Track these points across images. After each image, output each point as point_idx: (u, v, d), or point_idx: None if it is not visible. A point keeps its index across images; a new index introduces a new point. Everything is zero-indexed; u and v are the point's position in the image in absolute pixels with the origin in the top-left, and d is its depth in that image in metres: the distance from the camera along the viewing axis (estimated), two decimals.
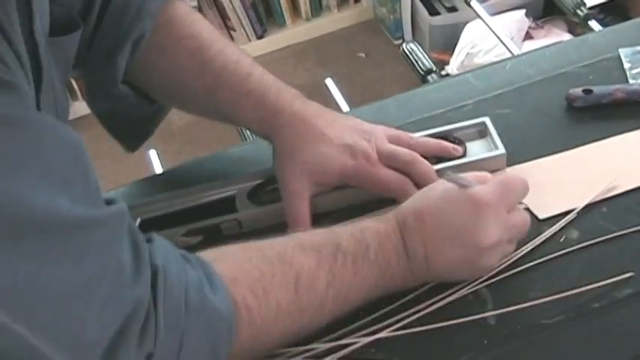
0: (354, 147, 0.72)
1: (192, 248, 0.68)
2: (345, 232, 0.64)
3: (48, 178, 0.47)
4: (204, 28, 0.77)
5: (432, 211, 0.64)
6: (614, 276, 0.65)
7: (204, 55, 0.75)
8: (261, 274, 0.59)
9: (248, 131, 1.15)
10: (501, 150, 0.75)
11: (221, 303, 0.56)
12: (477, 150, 0.76)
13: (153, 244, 0.57)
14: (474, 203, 0.63)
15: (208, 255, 0.61)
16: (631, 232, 0.69)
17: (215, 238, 0.73)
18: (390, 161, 0.72)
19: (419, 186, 0.71)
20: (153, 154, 1.35)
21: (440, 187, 0.66)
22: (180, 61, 0.75)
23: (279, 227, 0.72)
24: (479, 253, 0.64)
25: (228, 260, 0.60)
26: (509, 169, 0.75)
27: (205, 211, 0.75)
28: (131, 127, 0.82)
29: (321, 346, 0.63)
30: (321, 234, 0.64)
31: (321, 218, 0.73)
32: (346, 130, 0.73)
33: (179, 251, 0.59)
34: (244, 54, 0.77)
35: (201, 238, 0.73)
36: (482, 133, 0.78)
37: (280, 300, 0.59)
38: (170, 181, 0.85)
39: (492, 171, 0.73)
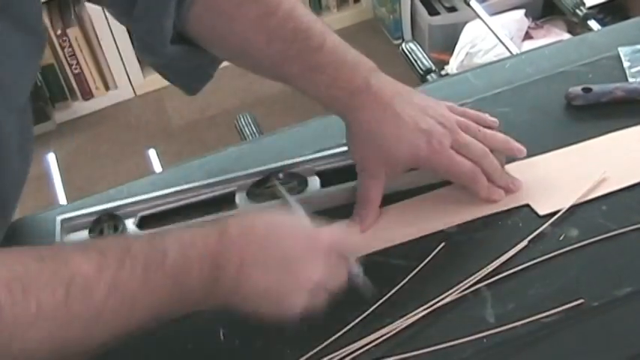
0: (430, 132, 0.70)
1: None
2: (140, 236, 0.58)
3: None
4: None
5: (264, 228, 0.60)
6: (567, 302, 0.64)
7: (270, 22, 0.69)
8: (26, 271, 0.51)
9: (248, 131, 1.15)
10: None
11: None
12: None
13: None
14: (312, 239, 0.60)
15: None
16: (631, 231, 0.69)
17: None
18: (462, 150, 0.71)
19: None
20: (152, 153, 1.35)
21: (278, 214, 0.63)
22: (243, 27, 0.70)
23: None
24: (293, 289, 0.59)
25: None
26: (509, 167, 0.75)
27: (205, 208, 0.75)
28: (189, 74, 0.78)
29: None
30: (111, 238, 0.59)
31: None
32: (422, 113, 0.71)
33: None
34: (313, 17, 0.72)
35: None
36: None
37: (43, 303, 0.50)
38: (170, 180, 0.85)
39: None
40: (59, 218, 0.75)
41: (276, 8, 0.69)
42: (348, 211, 0.74)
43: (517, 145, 0.74)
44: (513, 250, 0.68)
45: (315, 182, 0.77)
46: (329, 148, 0.79)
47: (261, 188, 0.77)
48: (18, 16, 0.61)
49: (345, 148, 0.76)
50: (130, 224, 0.75)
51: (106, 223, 0.75)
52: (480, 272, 0.66)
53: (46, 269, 0.52)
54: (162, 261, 0.54)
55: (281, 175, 0.77)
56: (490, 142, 0.73)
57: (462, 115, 0.74)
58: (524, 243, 0.69)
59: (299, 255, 0.59)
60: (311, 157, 0.78)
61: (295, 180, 0.77)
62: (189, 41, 0.74)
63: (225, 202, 0.76)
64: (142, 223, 0.75)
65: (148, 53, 0.74)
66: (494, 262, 0.67)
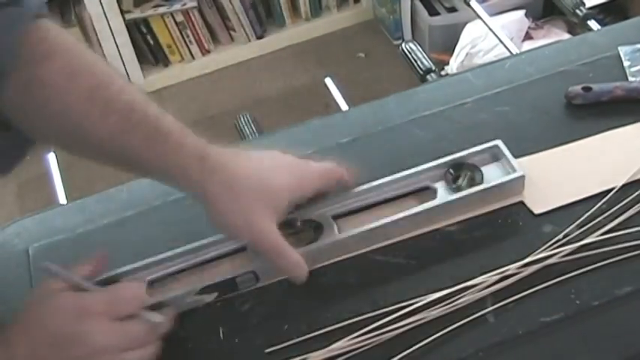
0: (286, 162, 0.70)
1: (208, 306, 0.69)
2: None
3: None
4: (97, 60, 0.67)
5: (35, 315, 0.60)
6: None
7: (105, 94, 0.64)
8: None
9: (247, 131, 1.15)
10: (519, 172, 0.72)
11: None
12: (493, 175, 0.73)
13: None
14: (80, 309, 0.60)
15: None
16: (631, 229, 0.68)
17: (230, 292, 0.70)
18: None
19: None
20: None
21: (43, 291, 0.62)
22: (76, 101, 0.64)
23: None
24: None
25: None
26: None
27: (218, 265, 0.71)
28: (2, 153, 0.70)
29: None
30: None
31: None
32: (268, 155, 0.71)
33: None
34: (143, 93, 0.68)
35: (217, 294, 0.69)
36: (495, 156, 0.75)
37: None
38: None
39: (510, 196, 0.73)
40: None
41: (109, 81, 0.65)
42: None
43: (338, 171, 0.73)
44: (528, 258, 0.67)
45: (330, 228, 0.72)
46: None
47: None
48: None
49: (360, 188, 0.74)
50: None
51: None
52: (481, 276, 0.66)
53: None
54: None
55: (298, 223, 0.72)
56: (313, 184, 0.72)
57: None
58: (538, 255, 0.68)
59: (72, 330, 0.59)
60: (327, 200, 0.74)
61: (311, 227, 0.72)
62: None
63: (237, 257, 0.72)
64: (152, 286, 0.71)
65: None
66: (498, 270, 0.67)
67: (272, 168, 0.69)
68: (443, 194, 0.72)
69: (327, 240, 0.71)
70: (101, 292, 0.63)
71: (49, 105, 0.64)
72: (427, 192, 0.74)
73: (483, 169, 0.74)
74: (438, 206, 0.71)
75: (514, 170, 0.72)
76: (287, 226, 0.72)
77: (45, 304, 0.61)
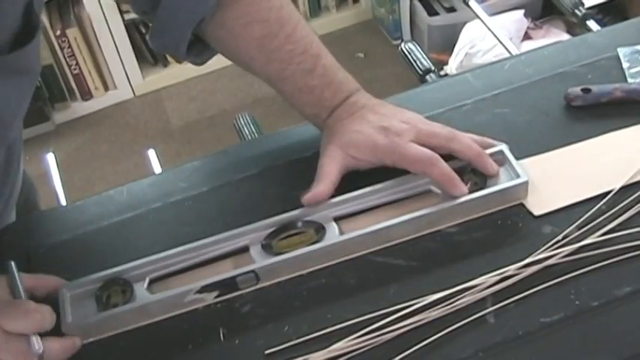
0: (389, 128, 0.73)
1: (208, 306, 0.69)
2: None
3: None
4: (273, 6, 0.77)
5: None
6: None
7: (271, 44, 0.76)
8: None
9: (247, 131, 1.15)
10: (523, 178, 0.72)
11: None
12: (496, 179, 0.73)
13: None
14: None
15: None
16: (631, 230, 0.69)
17: (230, 292, 0.70)
18: (428, 138, 0.73)
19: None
20: (152, 154, 1.35)
21: None
22: (247, 46, 0.77)
23: (298, 279, 0.70)
24: None
25: None
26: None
27: (218, 265, 0.71)
28: (198, 55, 0.83)
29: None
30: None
31: None
32: (387, 117, 0.75)
33: None
34: (311, 38, 0.78)
35: (217, 293, 0.69)
36: (500, 161, 0.75)
37: None
38: (169, 181, 0.85)
39: (513, 200, 0.72)
40: (64, 287, 0.70)
41: (278, 30, 0.76)
42: None
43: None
44: (528, 259, 0.67)
45: (333, 229, 0.72)
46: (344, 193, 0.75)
47: (277, 240, 0.72)
48: (13, 63, 0.65)
49: (362, 191, 0.74)
50: (140, 288, 0.70)
51: (114, 288, 0.70)
52: (481, 277, 0.66)
53: None
54: None
55: (299, 224, 0.73)
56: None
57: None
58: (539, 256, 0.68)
59: None
60: (328, 202, 0.74)
61: (312, 228, 0.72)
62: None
63: (238, 257, 0.72)
64: (152, 285, 0.71)
65: (163, 51, 0.83)
66: (498, 271, 0.67)
67: (380, 125, 0.74)
68: (446, 198, 0.72)
69: (329, 241, 0.71)
70: (7, 304, 0.64)
71: (225, 44, 0.79)
72: (430, 195, 0.74)
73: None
74: (440, 210, 0.71)
75: (518, 176, 0.72)
76: (288, 227, 0.72)
77: None
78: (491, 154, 0.74)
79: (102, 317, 0.68)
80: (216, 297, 0.69)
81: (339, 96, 0.77)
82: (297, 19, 0.78)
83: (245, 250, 0.72)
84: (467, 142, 0.73)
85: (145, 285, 0.70)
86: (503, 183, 0.72)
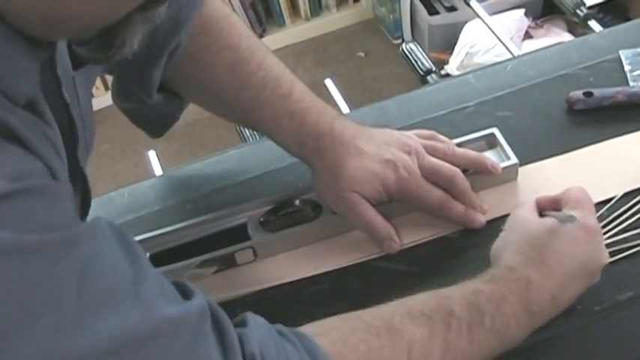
0: (395, 161, 0.71)
1: (207, 279, 0.69)
2: (456, 296, 0.59)
3: (111, 295, 0.41)
4: (242, 35, 0.73)
5: (555, 256, 0.61)
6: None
7: (243, 70, 0.72)
8: (369, 349, 0.54)
9: (247, 132, 1.15)
10: (513, 160, 0.74)
11: None
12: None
13: (247, 329, 0.51)
14: (586, 232, 0.62)
15: (309, 329, 0.55)
16: (632, 236, 0.68)
17: (230, 266, 0.71)
18: (431, 176, 0.71)
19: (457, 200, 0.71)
20: (152, 154, 1.34)
21: (540, 227, 0.63)
22: (218, 74, 0.72)
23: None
24: (599, 272, 0.63)
25: (331, 334, 0.55)
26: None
27: (217, 241, 0.72)
28: (158, 119, 0.80)
29: None
30: (431, 298, 0.59)
31: None
32: (385, 145, 0.72)
33: (276, 327, 0.53)
34: (283, 67, 0.75)
35: (216, 268, 0.71)
36: (491, 143, 0.76)
37: None
38: (170, 184, 0.85)
39: (504, 181, 0.74)
40: None
41: (249, 57, 0.72)
42: None
43: (491, 161, 0.73)
44: None
45: (329, 208, 0.73)
46: None
47: (274, 217, 0.74)
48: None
49: None
50: None
51: None
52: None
53: (386, 342, 0.55)
54: (481, 321, 0.58)
55: (297, 202, 0.74)
56: (460, 160, 0.73)
57: (430, 138, 0.74)
58: None
59: (592, 250, 0.62)
60: None
61: (309, 206, 0.74)
62: (164, 87, 0.75)
63: (237, 234, 0.73)
64: (153, 260, 0.70)
65: (127, 100, 0.75)
66: None
67: (368, 168, 0.71)
68: None
69: (325, 219, 0.72)
70: (585, 210, 0.64)
71: (195, 75, 0.73)
72: None
73: None
74: None
75: (508, 158, 0.74)
76: (286, 206, 0.74)
77: (557, 238, 0.62)
78: (483, 137, 0.76)
79: None
80: (215, 272, 0.70)
81: (323, 121, 0.72)
82: (266, 48, 0.75)
83: (243, 227, 0.73)
84: (464, 188, 0.72)
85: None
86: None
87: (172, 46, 0.69)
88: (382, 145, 0.72)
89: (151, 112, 0.78)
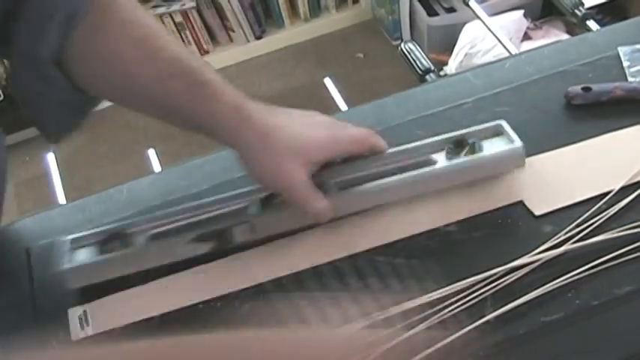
0: (323, 121, 0.72)
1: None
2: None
3: None
4: (152, 19, 0.72)
5: None
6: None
7: (153, 44, 0.69)
8: None
9: None
10: (518, 143, 0.73)
11: None
12: (494, 148, 0.74)
13: None
14: None
15: None
16: (630, 230, 0.68)
17: (226, 244, 0.71)
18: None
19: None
20: (152, 154, 1.35)
21: None
22: (123, 48, 0.68)
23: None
24: None
25: None
26: None
27: (218, 222, 0.72)
28: (57, 116, 0.74)
29: None
30: None
31: None
32: (307, 112, 0.73)
33: None
34: (190, 51, 0.72)
35: (212, 245, 0.70)
36: (497, 130, 0.76)
37: None
38: (169, 181, 0.85)
39: (511, 167, 0.74)
40: (69, 238, 0.72)
41: (160, 33, 0.70)
42: None
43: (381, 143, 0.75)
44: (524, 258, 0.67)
45: (331, 187, 0.73)
46: None
47: (277, 198, 0.73)
48: None
49: (363, 159, 0.74)
50: (140, 242, 0.72)
51: (114, 242, 0.72)
52: (481, 275, 0.66)
53: None
54: None
55: None
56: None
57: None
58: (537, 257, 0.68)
59: None
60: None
61: None
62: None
63: (238, 215, 0.73)
64: (152, 240, 0.72)
65: (23, 76, 0.69)
66: (498, 269, 0.67)
67: (307, 124, 0.71)
68: (443, 162, 0.73)
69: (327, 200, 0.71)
70: None
71: (102, 49, 0.69)
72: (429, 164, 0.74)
73: (485, 143, 0.75)
74: (437, 172, 0.72)
75: (513, 142, 0.73)
76: None
77: None
78: (490, 127, 0.76)
79: (100, 260, 0.69)
80: (211, 248, 0.70)
81: (239, 93, 0.69)
82: (172, 36, 0.73)
83: (244, 210, 0.73)
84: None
85: (146, 239, 0.72)
86: (500, 148, 0.74)
87: (68, 8, 0.66)
88: (305, 112, 0.73)
89: (51, 104, 0.72)
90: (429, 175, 0.72)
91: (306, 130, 0.70)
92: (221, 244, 0.71)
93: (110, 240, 0.72)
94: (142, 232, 0.72)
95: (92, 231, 0.73)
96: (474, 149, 0.74)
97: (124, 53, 0.68)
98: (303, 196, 0.68)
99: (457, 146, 0.74)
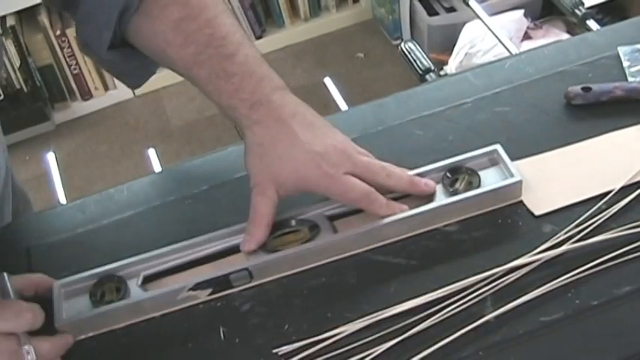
0: (323, 155, 0.69)
1: (208, 305, 0.69)
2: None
3: None
4: None
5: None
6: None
7: (189, 26, 0.71)
8: None
9: None
10: (517, 177, 0.72)
11: None
12: (491, 179, 0.73)
13: None
14: None
15: None
16: (630, 229, 0.68)
17: (224, 290, 0.70)
18: (361, 171, 0.70)
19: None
20: (151, 154, 1.35)
21: None
22: (163, 29, 0.71)
23: (298, 278, 0.70)
24: None
25: None
26: None
27: (212, 261, 0.71)
28: (128, 73, 0.81)
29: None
30: None
31: None
32: (321, 135, 0.70)
33: None
34: (236, 27, 0.73)
35: (211, 290, 0.69)
36: (493, 161, 0.75)
37: None
38: (169, 180, 0.85)
39: (507, 200, 0.72)
40: (58, 283, 0.70)
41: (198, 13, 0.71)
42: None
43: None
44: (523, 258, 0.67)
45: (327, 228, 0.72)
46: None
47: (270, 238, 0.71)
48: None
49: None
50: (134, 285, 0.70)
51: (108, 285, 0.70)
52: (481, 275, 0.66)
53: None
54: None
55: (293, 222, 0.72)
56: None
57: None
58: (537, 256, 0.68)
59: None
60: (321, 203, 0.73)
61: (306, 226, 0.72)
62: (128, 43, 0.76)
63: (232, 254, 0.72)
64: (146, 282, 0.71)
65: (87, 52, 0.78)
66: (498, 268, 0.66)
67: (310, 151, 0.69)
68: (440, 197, 0.72)
69: (322, 240, 0.71)
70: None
71: (143, 30, 0.73)
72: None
73: (481, 173, 0.74)
74: (434, 209, 0.71)
75: (512, 175, 0.72)
76: (282, 226, 0.72)
77: None
78: (485, 154, 0.74)
79: (96, 313, 0.68)
80: (209, 294, 0.69)
81: (261, 91, 0.70)
82: (223, 8, 0.73)
83: (238, 249, 0.71)
84: (399, 174, 0.71)
85: (139, 282, 0.70)
86: (497, 182, 0.72)
87: (122, 7, 0.71)
88: (318, 135, 0.70)
89: (119, 67, 0.80)
90: (427, 212, 0.71)
91: (303, 158, 0.69)
92: (220, 289, 0.70)
93: (102, 284, 0.70)
94: (135, 274, 0.71)
95: (83, 274, 0.71)
96: (471, 181, 0.73)
97: (160, 36, 0.72)
98: (256, 217, 0.69)
99: (453, 174, 0.73)
